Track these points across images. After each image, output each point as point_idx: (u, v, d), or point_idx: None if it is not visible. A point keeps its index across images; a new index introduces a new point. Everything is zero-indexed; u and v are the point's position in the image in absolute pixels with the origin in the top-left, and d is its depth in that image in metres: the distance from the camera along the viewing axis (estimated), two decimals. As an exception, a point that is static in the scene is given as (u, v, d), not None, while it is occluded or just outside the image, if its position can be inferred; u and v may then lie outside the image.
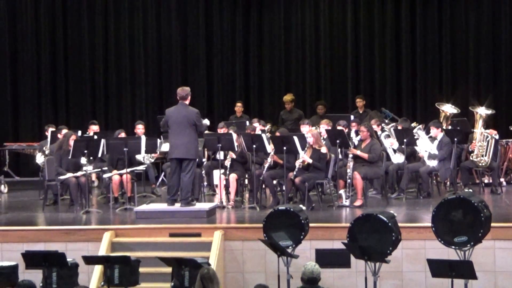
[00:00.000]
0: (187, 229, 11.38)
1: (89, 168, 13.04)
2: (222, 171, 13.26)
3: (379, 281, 9.16)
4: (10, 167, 16.81)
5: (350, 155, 13.05)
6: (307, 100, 18.30)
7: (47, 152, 14.39)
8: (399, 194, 13.84)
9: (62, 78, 18.47)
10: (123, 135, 14.21)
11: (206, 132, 15.29)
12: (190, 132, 12.07)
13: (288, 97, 17.26)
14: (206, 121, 12.49)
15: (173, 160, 12.23)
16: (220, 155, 13.39)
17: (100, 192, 14.96)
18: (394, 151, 14.09)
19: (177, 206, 12.20)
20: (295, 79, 18.47)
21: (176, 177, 12.16)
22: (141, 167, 14.01)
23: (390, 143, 14.06)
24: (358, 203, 12.86)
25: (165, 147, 14.15)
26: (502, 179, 14.92)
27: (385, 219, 9.02)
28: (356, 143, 13.80)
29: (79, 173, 12.97)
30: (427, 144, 13.89)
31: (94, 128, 15.39)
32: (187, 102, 12.22)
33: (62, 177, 12.93)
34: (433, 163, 13.74)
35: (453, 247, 9.08)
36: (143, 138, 13.66)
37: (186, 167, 12.08)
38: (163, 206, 12.40)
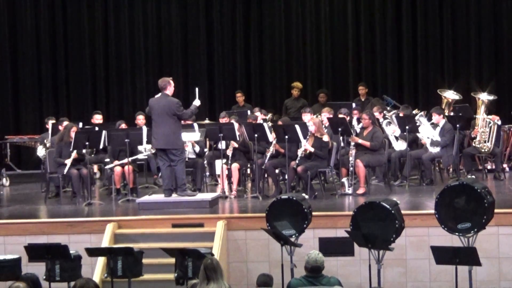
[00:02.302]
0: (189, 220, 11.36)
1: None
2: (224, 160, 13.24)
3: (383, 268, 9.15)
4: (12, 160, 16.81)
5: (352, 143, 13.03)
6: (309, 89, 18.26)
7: (48, 144, 14.37)
8: (402, 182, 13.81)
9: (62, 70, 18.44)
10: (123, 126, 14.18)
11: (208, 122, 15.28)
12: (171, 122, 11.97)
13: (299, 84, 17.27)
14: (197, 102, 12.32)
15: (158, 150, 12.23)
16: (222, 145, 13.37)
17: (102, 183, 14.95)
18: (396, 138, 14.06)
19: (179, 196, 12.18)
20: (296, 68, 18.42)
21: (167, 167, 12.12)
22: (141, 155, 13.93)
23: (392, 131, 14.04)
24: (361, 191, 12.84)
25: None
26: (505, 165, 14.88)
27: (388, 206, 9.00)
28: (358, 131, 13.77)
29: (73, 154, 12.86)
30: (429, 131, 13.85)
31: (97, 118, 15.35)
32: (168, 92, 12.11)
33: (64, 171, 12.88)
34: (435, 150, 13.71)
35: (456, 233, 9.05)
36: (144, 129, 13.63)
37: (173, 157, 12.01)
38: (165, 197, 12.37)
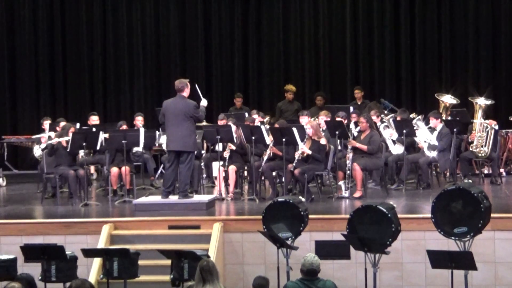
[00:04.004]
0: (186, 221, 11.35)
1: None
2: (221, 163, 13.23)
3: (379, 272, 9.15)
4: (9, 160, 16.79)
5: (349, 147, 13.03)
6: (306, 92, 18.27)
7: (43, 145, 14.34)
8: (398, 185, 13.82)
9: (60, 70, 18.43)
10: (124, 127, 14.17)
11: (205, 124, 15.27)
12: (188, 124, 12.00)
13: (293, 87, 17.26)
14: (204, 102, 12.33)
15: (170, 152, 12.21)
16: (219, 147, 13.37)
17: (99, 184, 14.94)
18: (394, 142, 14.06)
19: (176, 198, 12.18)
20: (294, 71, 18.43)
21: (173, 169, 12.14)
22: (137, 149, 13.94)
23: (390, 134, 14.04)
24: (357, 194, 12.84)
25: (163, 139, 14.12)
26: (501, 170, 14.90)
27: (385, 210, 9.00)
28: (355, 134, 13.76)
29: (63, 138, 12.83)
30: (426, 135, 13.86)
31: (94, 119, 15.34)
32: (185, 94, 12.13)
33: (48, 141, 12.84)
34: (432, 154, 13.71)
35: (453, 238, 9.06)
36: (142, 130, 13.62)
37: (184, 159, 12.06)
38: (162, 199, 12.37)
